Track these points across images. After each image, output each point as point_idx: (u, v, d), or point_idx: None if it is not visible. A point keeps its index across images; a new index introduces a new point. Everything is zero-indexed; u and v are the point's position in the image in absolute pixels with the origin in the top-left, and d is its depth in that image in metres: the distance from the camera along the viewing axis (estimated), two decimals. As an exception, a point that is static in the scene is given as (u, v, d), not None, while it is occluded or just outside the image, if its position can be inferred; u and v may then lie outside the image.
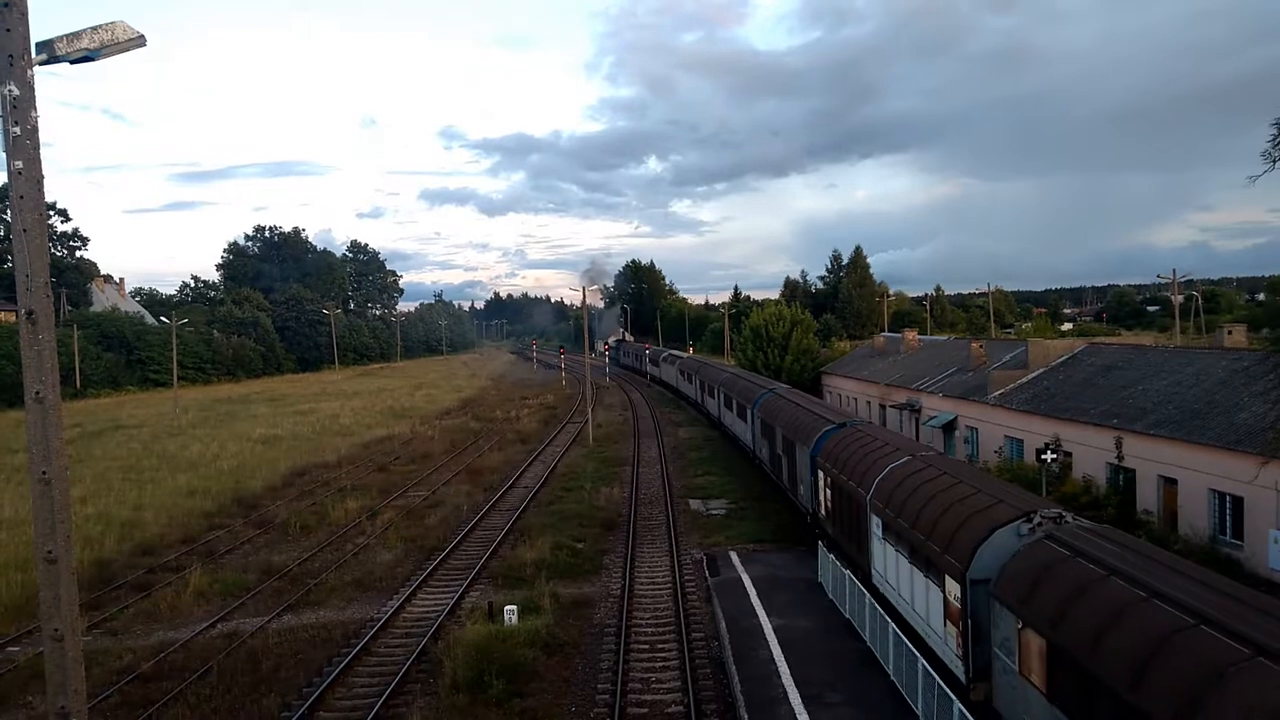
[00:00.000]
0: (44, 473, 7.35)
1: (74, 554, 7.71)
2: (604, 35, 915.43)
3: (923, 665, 15.87)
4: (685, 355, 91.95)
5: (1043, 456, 30.22)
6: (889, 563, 20.49)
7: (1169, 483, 28.93)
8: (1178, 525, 28.06)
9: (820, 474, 27.60)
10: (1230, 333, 41.11)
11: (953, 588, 16.05)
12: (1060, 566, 13.25)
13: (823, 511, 27.59)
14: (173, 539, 33.12)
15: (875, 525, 21.39)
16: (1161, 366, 34.85)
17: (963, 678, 15.65)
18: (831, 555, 24.09)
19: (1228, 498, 26.37)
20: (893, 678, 17.76)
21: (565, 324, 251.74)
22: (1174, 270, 72.17)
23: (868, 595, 19.93)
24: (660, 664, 20.38)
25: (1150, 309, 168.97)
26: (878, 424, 44.37)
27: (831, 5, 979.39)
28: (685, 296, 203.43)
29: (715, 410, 58.93)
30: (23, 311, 7.29)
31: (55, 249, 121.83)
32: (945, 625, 16.66)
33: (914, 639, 17.62)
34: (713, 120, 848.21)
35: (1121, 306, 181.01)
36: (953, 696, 14.38)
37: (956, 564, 15.78)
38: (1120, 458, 30.95)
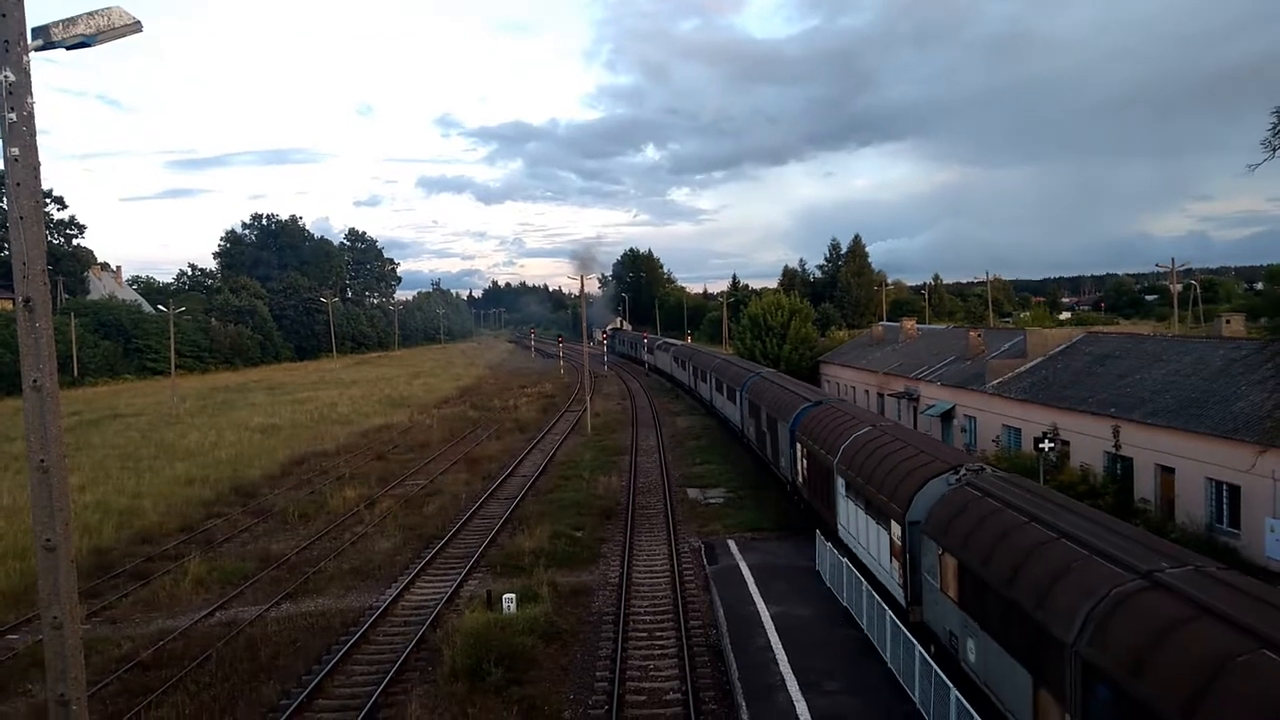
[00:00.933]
0: (42, 461, 7.34)
1: (73, 542, 7.70)
2: (602, 22, 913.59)
3: (919, 652, 15.94)
4: (679, 343, 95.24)
5: (1040, 445, 30.25)
6: (851, 516, 23.73)
7: (1166, 471, 28.99)
8: (1175, 514, 28.13)
9: (798, 446, 30.70)
10: (1228, 322, 41.05)
11: (896, 529, 19.29)
12: (972, 505, 16.41)
13: (800, 479, 30.76)
14: (171, 527, 33.15)
15: (840, 485, 24.61)
16: (1159, 356, 34.87)
17: (903, 602, 18.88)
18: (829, 544, 24.17)
19: (1225, 486, 26.43)
20: (890, 665, 17.83)
21: (564, 312, 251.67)
22: (1172, 259, 72.16)
23: (865, 583, 20.04)
24: (658, 652, 20.45)
25: (1148, 298, 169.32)
26: (853, 404, 45.59)
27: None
28: (684, 285, 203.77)
29: (708, 394, 61.66)
30: (20, 299, 7.27)
31: (52, 236, 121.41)
32: (891, 561, 19.89)
33: (871, 579, 20.65)
34: (711, 108, 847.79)
35: (1120, 296, 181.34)
36: (917, 644, 14.50)
37: (898, 509, 19.01)
38: (1118, 446, 31.00)
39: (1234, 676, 8.97)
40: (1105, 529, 13.84)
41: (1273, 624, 9.48)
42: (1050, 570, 12.79)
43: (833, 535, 25.01)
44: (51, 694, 7.63)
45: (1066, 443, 33.71)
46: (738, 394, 46.98)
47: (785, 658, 18.83)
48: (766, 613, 21.72)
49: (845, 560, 22.01)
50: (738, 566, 26.01)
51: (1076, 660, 11.41)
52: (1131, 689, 10.13)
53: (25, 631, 22.61)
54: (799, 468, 30.70)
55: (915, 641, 16.49)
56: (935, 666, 15.23)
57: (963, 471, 18.32)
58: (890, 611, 18.01)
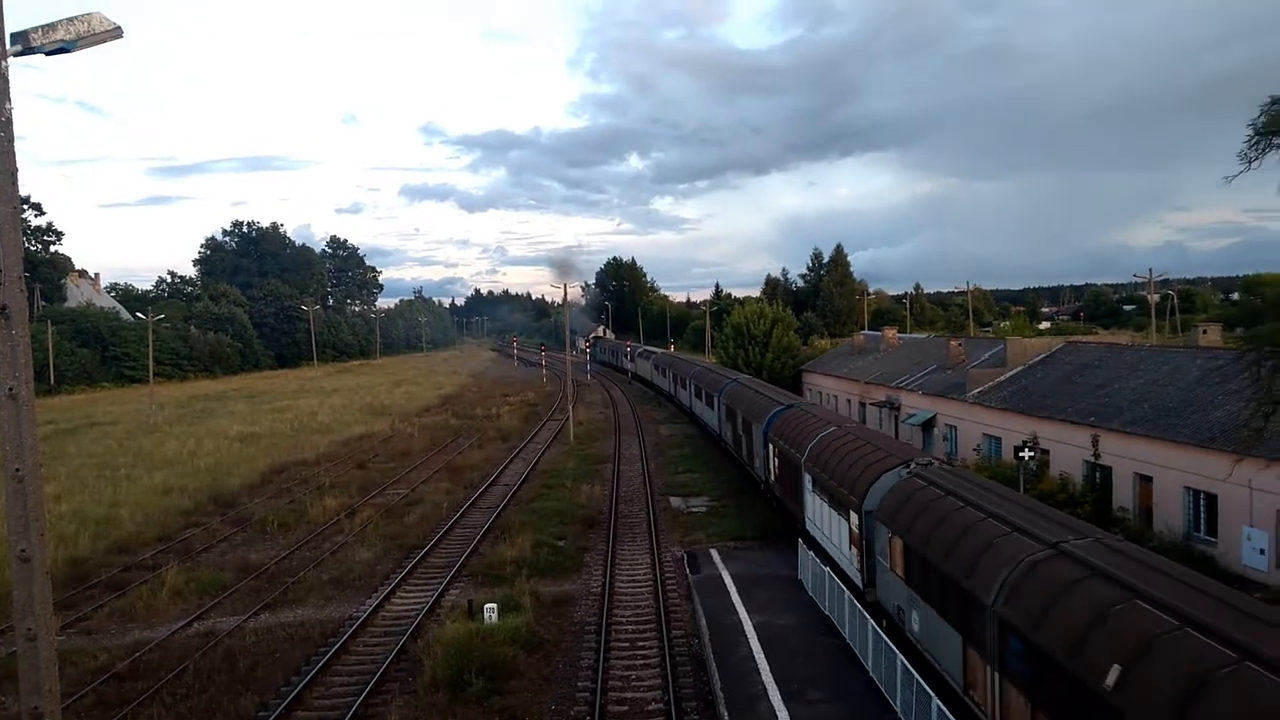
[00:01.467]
0: (17, 470, 7.25)
1: (48, 552, 7.61)
2: (587, 32, 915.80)
3: (901, 662, 15.99)
4: (660, 351, 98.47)
5: (1020, 454, 30.45)
6: (817, 509, 25.50)
7: (1145, 480, 29.24)
8: (1153, 522, 28.37)
9: (770, 446, 32.81)
10: (1205, 332, 41.64)
11: (854, 519, 21.20)
12: (918, 493, 18.25)
13: (772, 478, 32.71)
14: (149, 537, 32.80)
15: (808, 482, 26.33)
16: (1137, 365, 35.23)
17: (860, 584, 20.74)
18: (811, 553, 24.22)
19: (1202, 495, 26.69)
20: (872, 674, 17.86)
21: (546, 320, 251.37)
22: (1150, 270, 72.99)
23: (847, 592, 20.09)
24: (640, 661, 20.40)
25: (1127, 308, 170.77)
26: (822, 407, 47.90)
27: (812, 4, 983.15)
28: (667, 294, 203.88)
29: (687, 400, 63.29)
30: (-4, 306, 7.19)
31: (29, 243, 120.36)
32: (850, 549, 21.82)
33: (835, 568, 22.46)
34: (694, 118, 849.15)
35: (1098, 305, 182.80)
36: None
37: (856, 500, 20.91)
38: (1097, 455, 31.25)
39: (1110, 621, 10.80)
40: (1029, 510, 15.79)
41: (1146, 580, 11.37)
42: (978, 546, 14.59)
43: (802, 529, 27.07)
44: (25, 707, 7.52)
45: (1046, 451, 33.95)
46: (715, 399, 48.73)
47: (767, 667, 18.83)
48: (749, 622, 21.72)
49: (828, 570, 22.07)
50: (720, 576, 26.00)
51: (994, 619, 13.23)
52: (1034, 638, 11.91)
53: (-1, 643, 22.31)
54: (771, 467, 32.69)
55: (869, 617, 18.27)
56: (885, 638, 17.08)
57: (912, 465, 20.35)
58: (849, 594, 19.91)
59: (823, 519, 24.82)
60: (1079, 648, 10.89)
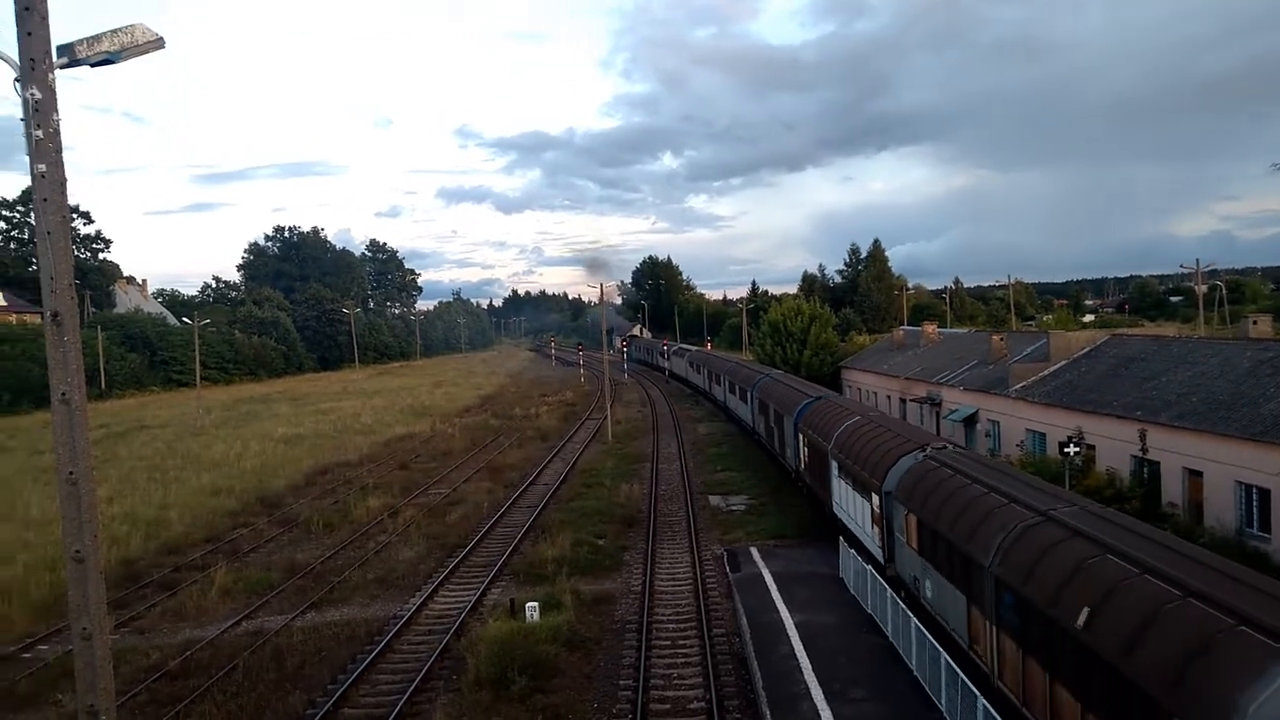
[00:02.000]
0: (71, 473, 7.42)
1: (101, 553, 7.78)
2: (618, 32, 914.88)
3: (945, 661, 15.81)
4: (694, 349, 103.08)
5: (1065, 450, 29.93)
6: (842, 492, 27.44)
7: (1194, 475, 28.60)
8: (1203, 518, 27.75)
9: (800, 436, 34.79)
10: (1255, 323, 40.54)
11: (875, 500, 22.93)
12: (931, 474, 19.92)
13: (802, 466, 34.80)
14: (197, 538, 33.43)
15: (834, 468, 28.25)
16: (1185, 358, 34.45)
17: (881, 560, 22.45)
18: (853, 551, 24.05)
19: (1254, 490, 26.04)
20: (916, 673, 17.68)
21: (583, 320, 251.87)
22: (1197, 260, 71.24)
23: (889, 590, 19.92)
24: (682, 660, 20.37)
25: (1173, 299, 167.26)
26: (846, 398, 49.64)
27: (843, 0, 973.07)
28: (703, 292, 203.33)
29: (721, 396, 66.16)
30: (48, 313, 7.37)
31: (78, 251, 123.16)
32: (872, 528, 23.50)
33: (859, 546, 24.29)
34: (727, 115, 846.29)
35: (1144, 297, 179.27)
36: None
37: (877, 483, 22.54)
38: (1144, 450, 30.61)
39: (1084, 573, 12.40)
40: (1026, 484, 17.63)
41: (1119, 539, 12.93)
42: (979, 516, 16.30)
43: (829, 514, 29.28)
44: (81, 705, 7.70)
45: (1092, 447, 33.33)
46: (749, 394, 50.88)
47: (809, 666, 18.71)
48: (790, 620, 21.60)
49: (870, 568, 21.89)
50: (760, 574, 25.89)
51: (991, 578, 14.91)
52: (1023, 592, 13.66)
53: (55, 642, 22.84)
54: (801, 455, 34.89)
55: (887, 586, 20.20)
56: (903, 605, 18.84)
57: (928, 449, 22.00)
58: (872, 569, 21.74)
59: (848, 500, 26.71)
60: (1058, 598, 12.53)
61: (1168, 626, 10.37)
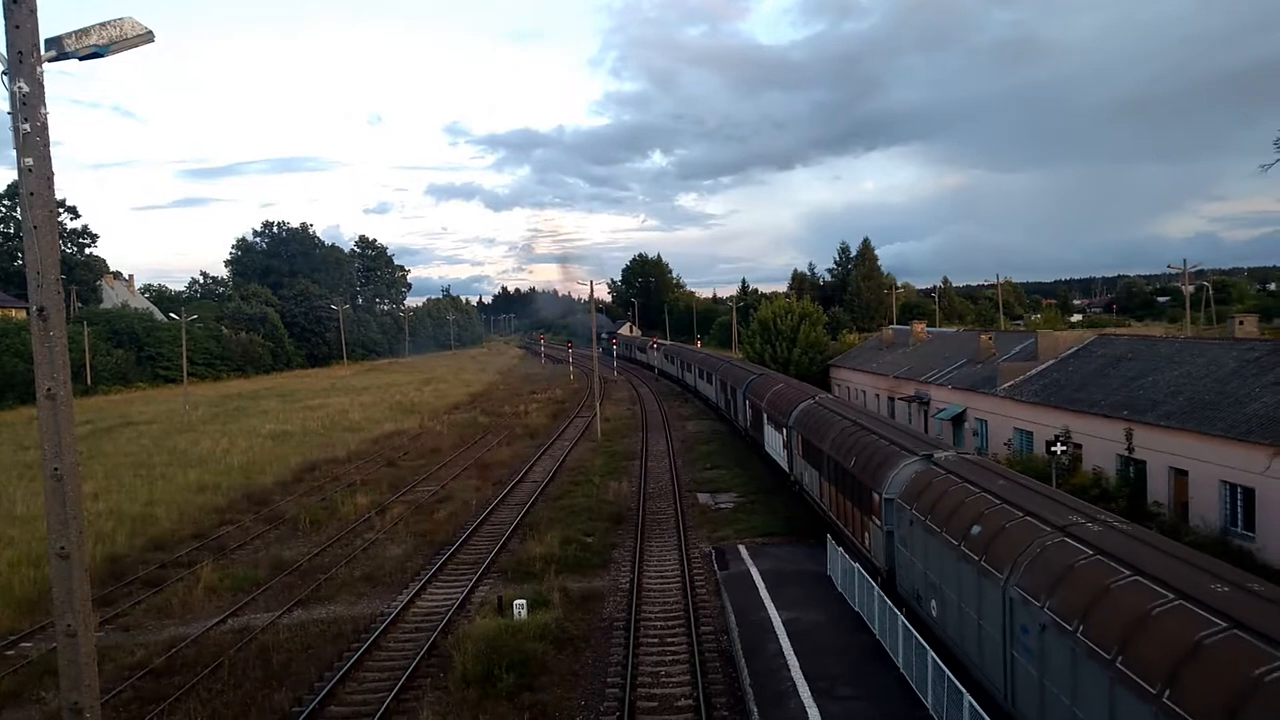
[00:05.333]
0: (56, 469, 7.38)
1: (86, 550, 7.74)
2: (609, 30, 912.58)
3: (932, 658, 15.88)
4: (669, 343, 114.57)
5: (1052, 449, 30.09)
6: (798, 462, 32.19)
7: (1180, 474, 28.80)
8: (1189, 517, 27.93)
9: (747, 401, 44.52)
10: (1241, 323, 40.86)
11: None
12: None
13: (748, 424, 43.54)
14: (183, 534, 33.26)
15: (788, 436, 33.38)
16: (1172, 358, 34.67)
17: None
18: (840, 549, 24.11)
19: (1239, 489, 26.23)
20: (902, 670, 17.75)
21: (573, 317, 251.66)
22: (1184, 261, 71.63)
23: (877, 589, 20.00)
24: (670, 657, 20.40)
25: (1160, 300, 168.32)
26: (774, 375, 53.50)
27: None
28: (693, 290, 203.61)
29: (692, 381, 79.03)
30: (34, 308, 7.32)
31: (65, 246, 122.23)
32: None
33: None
34: (717, 114, 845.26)
35: (1131, 297, 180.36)
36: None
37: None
38: (1130, 449, 30.80)
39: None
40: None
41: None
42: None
43: (794, 483, 33.40)
44: (65, 702, 7.67)
45: (1079, 446, 33.51)
46: (713, 376, 64.27)
47: (797, 663, 18.77)
48: (778, 618, 21.66)
49: (857, 565, 21.96)
50: (749, 572, 25.94)
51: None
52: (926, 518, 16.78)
53: (39, 639, 22.71)
54: (746, 418, 43.25)
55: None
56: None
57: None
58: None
59: (803, 467, 31.05)
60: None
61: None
